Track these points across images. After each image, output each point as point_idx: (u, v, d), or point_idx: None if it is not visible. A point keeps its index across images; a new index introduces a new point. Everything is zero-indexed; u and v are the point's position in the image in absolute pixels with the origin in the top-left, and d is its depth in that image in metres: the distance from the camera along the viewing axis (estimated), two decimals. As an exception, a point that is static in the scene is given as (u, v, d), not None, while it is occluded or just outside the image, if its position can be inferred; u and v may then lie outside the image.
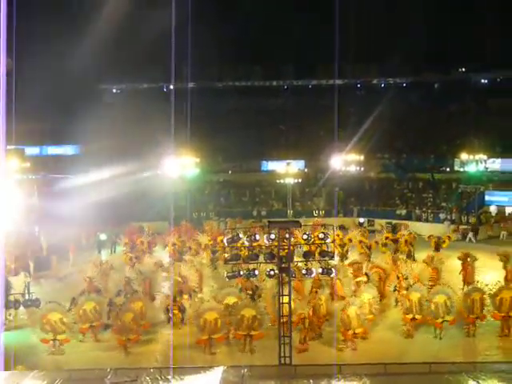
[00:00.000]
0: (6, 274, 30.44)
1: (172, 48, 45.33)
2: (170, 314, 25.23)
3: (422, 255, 34.89)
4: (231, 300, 24.34)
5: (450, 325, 23.87)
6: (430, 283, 27.54)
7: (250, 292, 27.33)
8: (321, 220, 46.95)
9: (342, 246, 37.95)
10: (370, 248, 37.42)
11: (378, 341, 23.81)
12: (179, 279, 27.75)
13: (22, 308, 27.03)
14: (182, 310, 25.48)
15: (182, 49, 50.12)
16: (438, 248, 37.16)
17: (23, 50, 35.66)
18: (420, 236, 42.49)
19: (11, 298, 26.64)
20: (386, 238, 40.15)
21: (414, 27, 61.42)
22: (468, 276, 30.13)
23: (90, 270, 30.43)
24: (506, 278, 29.51)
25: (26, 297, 29.19)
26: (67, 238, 43.33)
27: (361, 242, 37.90)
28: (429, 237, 39.68)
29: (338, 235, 37.46)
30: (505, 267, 30.53)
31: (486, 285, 25.08)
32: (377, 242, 39.13)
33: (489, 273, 30.83)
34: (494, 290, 24.27)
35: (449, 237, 39.84)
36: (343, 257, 37.27)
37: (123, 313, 23.40)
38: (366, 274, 27.92)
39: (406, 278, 27.12)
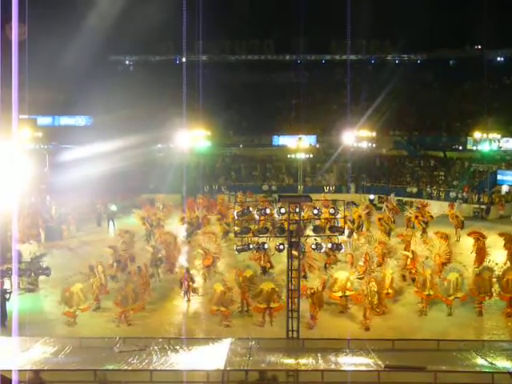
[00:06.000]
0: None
1: (185, 21, 45.14)
2: (183, 286, 25.41)
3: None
4: (248, 273, 24.43)
5: (461, 301, 23.88)
6: (445, 259, 27.44)
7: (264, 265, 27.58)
8: (329, 196, 46.68)
9: (352, 221, 37.81)
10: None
11: (390, 317, 23.72)
12: (201, 251, 27.79)
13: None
14: (193, 282, 25.64)
15: (195, 22, 49.93)
16: (460, 226, 36.83)
17: (37, 19, 35.58)
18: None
19: (22, 266, 26.72)
20: (416, 216, 39.38)
21: (430, 3, 60.77)
22: (479, 255, 30.06)
23: (115, 240, 30.55)
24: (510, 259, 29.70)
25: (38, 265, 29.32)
26: (79, 208, 43.50)
27: (380, 219, 37.61)
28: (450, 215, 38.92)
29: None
30: (507, 247, 30.44)
31: (496, 263, 25.26)
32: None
33: (498, 252, 30.71)
34: (501, 272, 24.23)
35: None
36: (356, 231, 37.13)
37: (126, 283, 23.42)
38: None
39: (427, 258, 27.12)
